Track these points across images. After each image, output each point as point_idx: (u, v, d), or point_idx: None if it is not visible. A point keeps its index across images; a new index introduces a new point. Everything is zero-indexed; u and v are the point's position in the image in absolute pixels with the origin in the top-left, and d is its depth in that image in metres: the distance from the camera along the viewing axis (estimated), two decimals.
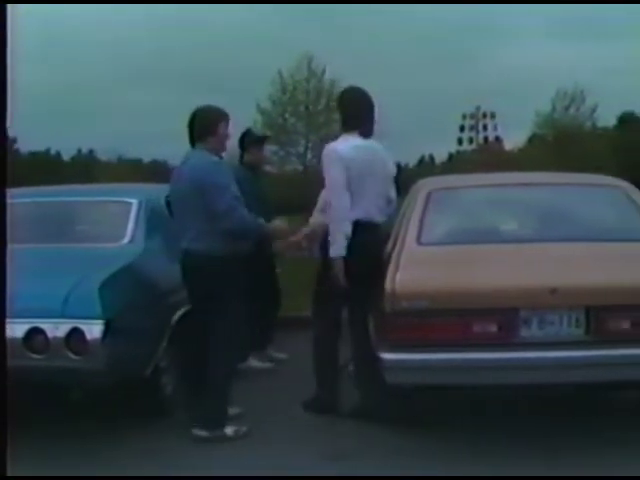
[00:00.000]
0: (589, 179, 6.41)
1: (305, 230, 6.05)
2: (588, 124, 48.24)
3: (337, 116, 6.04)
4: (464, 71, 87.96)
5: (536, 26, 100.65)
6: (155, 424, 5.36)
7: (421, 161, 76.71)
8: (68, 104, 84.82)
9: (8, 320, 3.91)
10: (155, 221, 5.99)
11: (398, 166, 7.02)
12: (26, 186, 7.01)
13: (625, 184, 5.79)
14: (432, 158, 75.52)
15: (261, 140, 7.65)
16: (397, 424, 5.24)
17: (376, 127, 5.73)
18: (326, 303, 5.64)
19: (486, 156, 47.66)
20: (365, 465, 4.68)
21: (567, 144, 43.90)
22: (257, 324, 6.79)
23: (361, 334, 5.46)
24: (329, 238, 5.40)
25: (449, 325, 4.62)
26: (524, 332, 4.61)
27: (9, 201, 4.10)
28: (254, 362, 6.92)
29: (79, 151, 73.89)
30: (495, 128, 56.63)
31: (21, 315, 4.53)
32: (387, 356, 4.67)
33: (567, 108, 47.73)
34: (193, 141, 5.34)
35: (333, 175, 5.43)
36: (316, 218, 5.92)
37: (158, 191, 6.39)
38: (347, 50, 71.86)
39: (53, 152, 71.43)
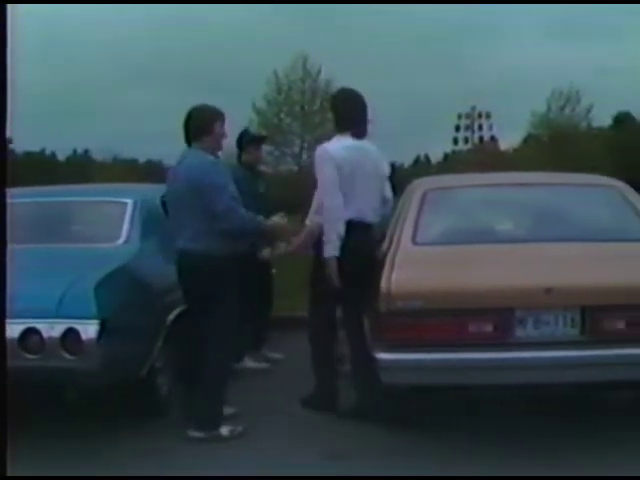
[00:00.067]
0: (584, 179, 6.42)
1: (305, 231, 6.06)
2: (583, 124, 48.25)
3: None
4: (459, 71, 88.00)
5: (531, 26, 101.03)
6: (151, 424, 5.36)
7: (417, 161, 76.67)
8: (67, 104, 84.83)
9: None
10: (150, 221, 5.99)
11: (393, 166, 7.02)
12: (21, 186, 7.00)
13: (620, 184, 5.80)
14: (428, 158, 75.60)
15: (258, 140, 7.65)
16: (393, 424, 5.24)
17: (370, 127, 5.74)
18: (320, 303, 5.65)
19: (481, 156, 47.69)
20: (361, 465, 4.68)
21: (562, 144, 43.90)
22: (252, 324, 6.81)
23: (356, 334, 5.46)
24: (323, 238, 5.41)
25: (444, 325, 4.62)
26: (519, 332, 4.62)
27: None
28: (249, 362, 6.92)
29: (74, 151, 73.88)
30: (490, 128, 56.78)
31: (16, 315, 4.51)
32: (382, 356, 4.67)
33: (562, 108, 47.74)
34: (189, 141, 5.34)
35: (325, 175, 5.45)
36: (312, 220, 5.92)
37: (153, 191, 6.40)
38: (344, 50, 71.96)
39: (48, 152, 71.40)
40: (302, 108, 42.93)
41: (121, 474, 4.54)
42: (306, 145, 41.96)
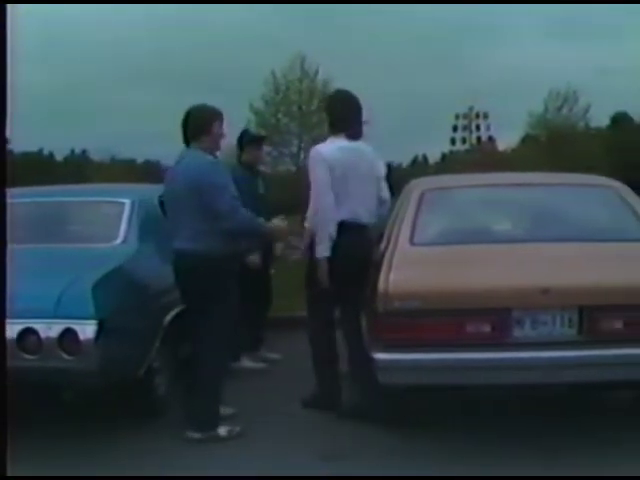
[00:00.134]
0: (582, 179, 6.42)
1: (307, 234, 6.06)
2: (581, 124, 48.33)
3: None
4: (457, 71, 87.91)
5: (531, 26, 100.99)
6: (149, 424, 5.36)
7: (414, 161, 76.73)
8: (66, 104, 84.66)
9: None
10: (148, 221, 5.99)
11: (389, 166, 7.03)
12: (19, 186, 7.00)
13: (618, 184, 5.80)
14: (425, 158, 75.59)
15: (258, 140, 7.65)
16: (391, 424, 5.24)
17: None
18: (317, 303, 5.65)
19: (479, 156, 47.82)
20: (359, 465, 4.68)
21: (560, 144, 43.96)
22: (250, 324, 6.81)
23: (353, 335, 5.47)
24: (315, 239, 5.42)
25: (442, 325, 4.62)
26: (517, 332, 4.62)
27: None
28: (247, 362, 6.92)
29: (72, 151, 73.78)
30: (488, 128, 56.92)
31: (14, 315, 4.52)
32: (380, 356, 4.67)
33: (560, 108, 47.82)
34: (187, 140, 5.33)
35: (317, 176, 5.47)
36: (311, 222, 5.91)
37: (151, 191, 6.39)
38: (343, 50, 72.02)
39: (46, 152, 71.34)
40: (300, 108, 42.94)
41: (120, 474, 4.55)
42: (304, 145, 41.92)
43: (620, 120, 55.58)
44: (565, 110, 47.68)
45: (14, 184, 5.93)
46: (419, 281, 4.75)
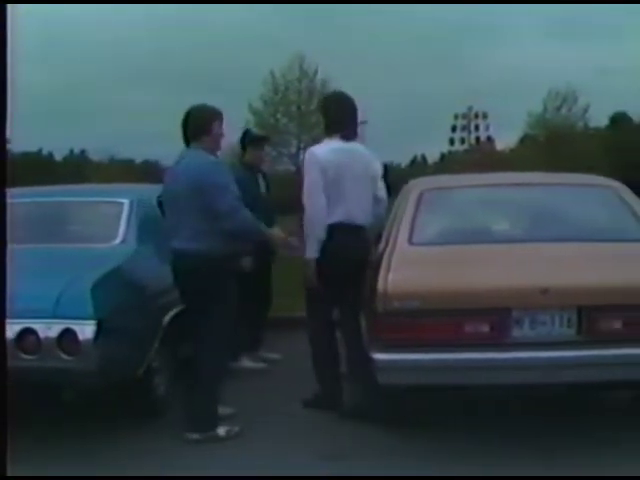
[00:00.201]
0: (581, 179, 6.42)
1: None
2: (580, 124, 48.41)
3: None
4: (457, 71, 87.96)
5: (531, 26, 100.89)
6: (149, 424, 5.36)
7: (413, 161, 76.80)
8: (66, 104, 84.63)
9: None
10: (147, 221, 5.99)
11: (386, 166, 7.03)
12: (18, 186, 7.00)
13: (617, 184, 5.80)
14: (424, 158, 75.66)
15: (260, 140, 7.65)
16: (391, 424, 5.24)
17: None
18: (316, 304, 5.66)
19: (478, 156, 47.83)
20: (359, 465, 4.68)
21: (559, 144, 44.01)
22: (250, 324, 6.81)
23: (352, 335, 5.48)
24: (305, 239, 5.47)
25: (441, 325, 4.62)
26: (516, 332, 4.62)
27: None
28: (247, 362, 6.93)
29: (71, 151, 73.79)
30: (487, 128, 56.95)
31: (13, 315, 4.51)
32: (379, 356, 4.67)
33: (559, 108, 47.89)
34: (187, 140, 5.33)
35: (309, 178, 5.50)
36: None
37: (150, 191, 6.39)
38: (343, 50, 72.05)
39: (45, 152, 71.32)
40: (299, 108, 43.02)
41: (120, 474, 4.55)
42: (303, 145, 42.01)
43: (619, 120, 55.59)
44: (564, 110, 47.79)
45: (13, 184, 5.93)
46: (418, 281, 4.75)
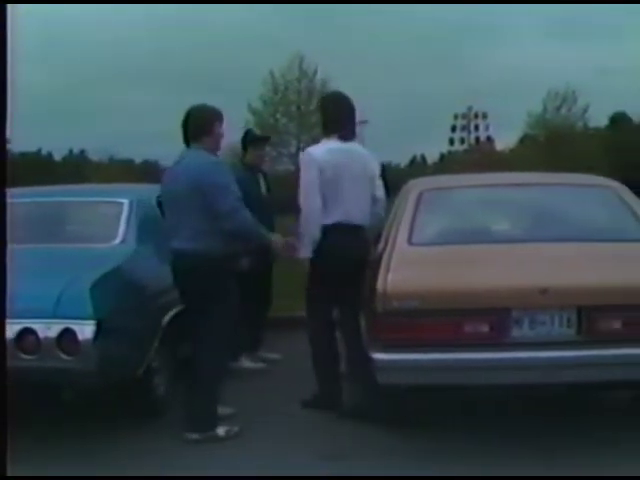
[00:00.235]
0: (580, 179, 6.42)
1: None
2: (580, 124, 48.35)
3: None
4: (457, 71, 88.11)
5: (531, 26, 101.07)
6: (148, 424, 5.36)
7: (413, 161, 76.85)
8: (66, 104, 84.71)
9: None
10: (147, 221, 5.99)
11: (384, 166, 7.04)
12: (17, 186, 7.00)
13: (616, 184, 5.80)
14: (424, 158, 75.71)
15: (260, 140, 7.65)
16: (391, 424, 5.24)
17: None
18: (316, 304, 5.66)
19: (478, 156, 47.82)
20: (359, 465, 4.68)
21: (558, 144, 43.98)
22: (250, 324, 6.81)
23: (352, 335, 5.48)
24: (300, 239, 5.48)
25: (441, 325, 4.62)
26: (515, 332, 4.62)
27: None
28: (247, 363, 6.93)
29: (70, 151, 73.78)
30: (487, 128, 56.95)
31: (12, 315, 4.50)
32: (379, 356, 4.67)
33: (559, 108, 47.84)
34: (187, 140, 5.33)
35: (305, 178, 5.51)
36: None
37: (150, 191, 6.39)
38: (343, 50, 72.05)
39: (44, 152, 71.31)
40: (298, 108, 43.00)
41: (120, 474, 4.55)
42: (302, 145, 41.93)
43: (619, 120, 55.58)
44: (564, 110, 47.74)
45: (13, 184, 5.93)
46: (417, 281, 4.76)
